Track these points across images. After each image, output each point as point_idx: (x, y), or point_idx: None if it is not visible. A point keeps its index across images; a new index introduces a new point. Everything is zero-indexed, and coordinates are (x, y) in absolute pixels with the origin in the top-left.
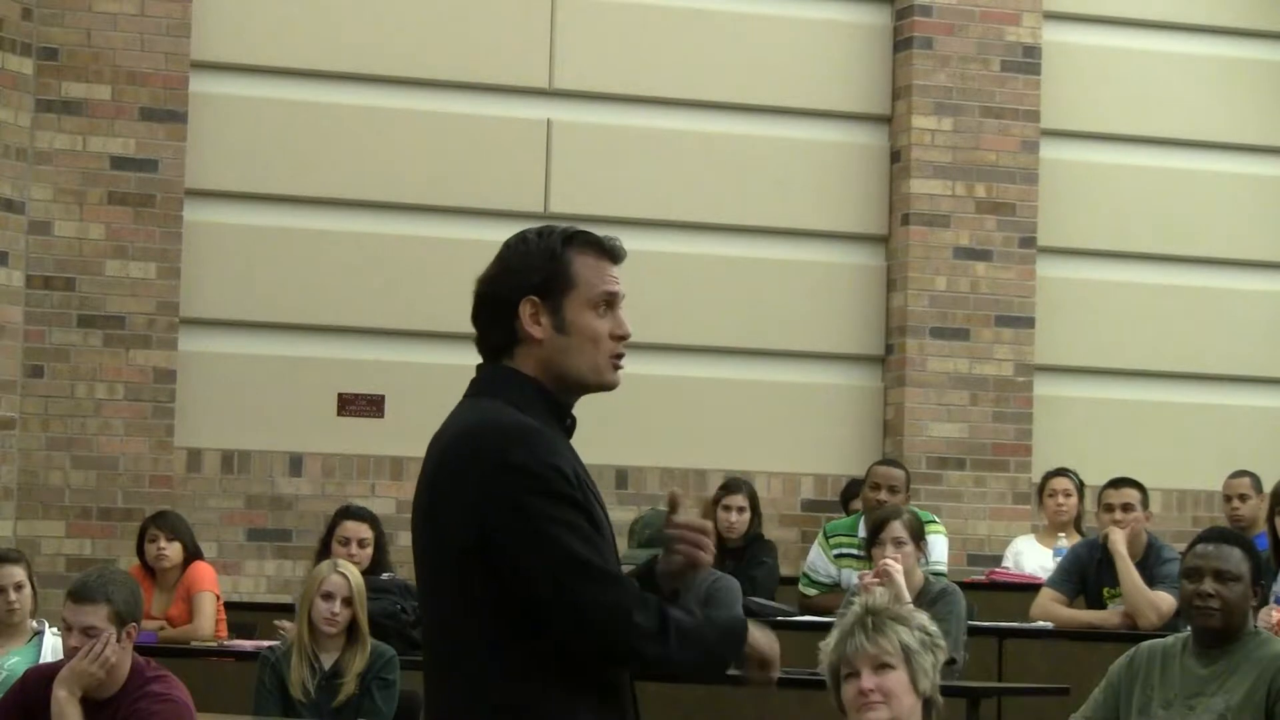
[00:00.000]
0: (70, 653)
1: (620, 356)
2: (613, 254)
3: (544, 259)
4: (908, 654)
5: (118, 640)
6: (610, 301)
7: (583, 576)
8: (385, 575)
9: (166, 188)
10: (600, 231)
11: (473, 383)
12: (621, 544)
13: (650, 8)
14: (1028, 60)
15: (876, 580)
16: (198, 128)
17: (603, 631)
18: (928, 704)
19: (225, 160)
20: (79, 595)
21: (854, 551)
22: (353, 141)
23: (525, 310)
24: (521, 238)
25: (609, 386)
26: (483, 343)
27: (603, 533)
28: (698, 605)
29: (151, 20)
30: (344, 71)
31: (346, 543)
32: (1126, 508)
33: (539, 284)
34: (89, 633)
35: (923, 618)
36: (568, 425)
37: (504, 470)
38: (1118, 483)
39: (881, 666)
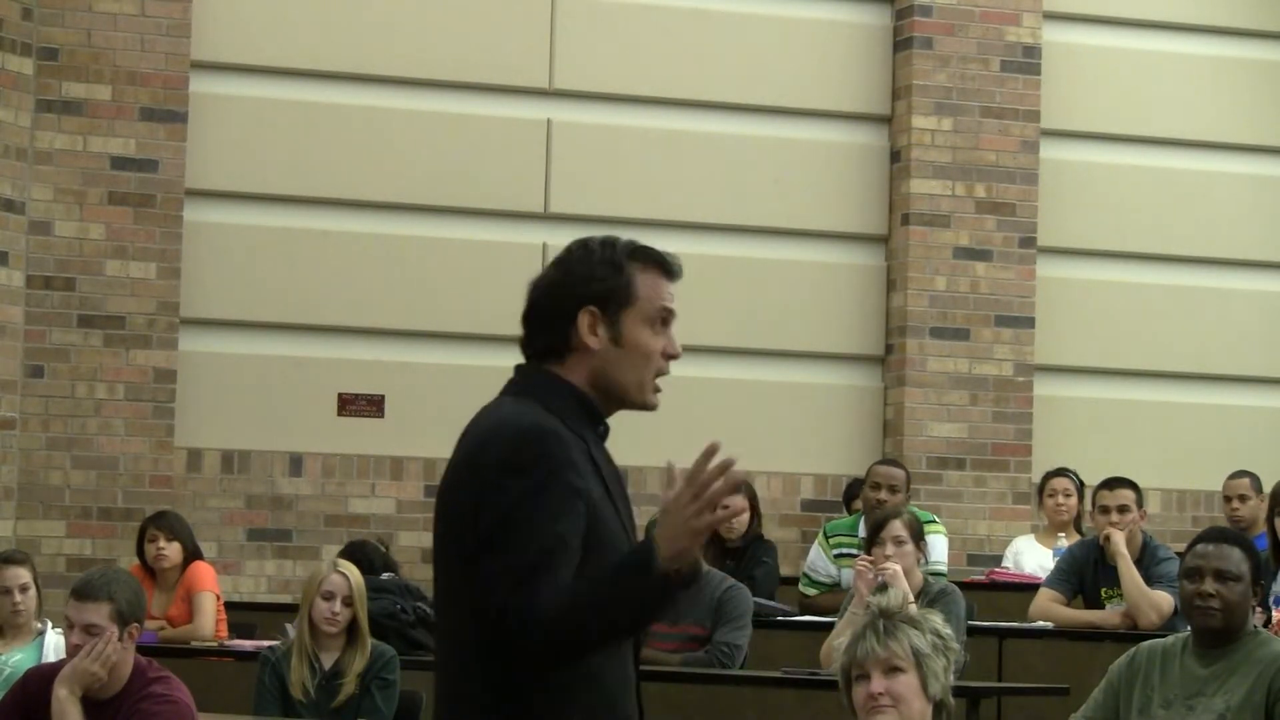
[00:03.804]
0: (72, 651)
1: (663, 375)
2: (672, 272)
3: (608, 270)
4: (918, 658)
5: (119, 639)
6: (665, 319)
7: (524, 584)
8: (385, 575)
9: (166, 188)
10: (600, 231)
11: (510, 382)
12: None
13: (650, 8)
14: (1028, 60)
15: (872, 573)
16: (198, 128)
17: (505, 630)
18: (939, 707)
19: (225, 160)
20: (82, 593)
21: (854, 551)
22: (353, 141)
23: (584, 320)
24: (585, 245)
25: (649, 407)
26: (530, 344)
27: (612, 534)
28: (707, 614)
29: (151, 20)
30: (344, 71)
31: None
32: (1123, 509)
33: (601, 294)
34: (91, 631)
35: (936, 621)
36: (601, 431)
37: (504, 472)
38: (1112, 483)
39: (892, 670)
